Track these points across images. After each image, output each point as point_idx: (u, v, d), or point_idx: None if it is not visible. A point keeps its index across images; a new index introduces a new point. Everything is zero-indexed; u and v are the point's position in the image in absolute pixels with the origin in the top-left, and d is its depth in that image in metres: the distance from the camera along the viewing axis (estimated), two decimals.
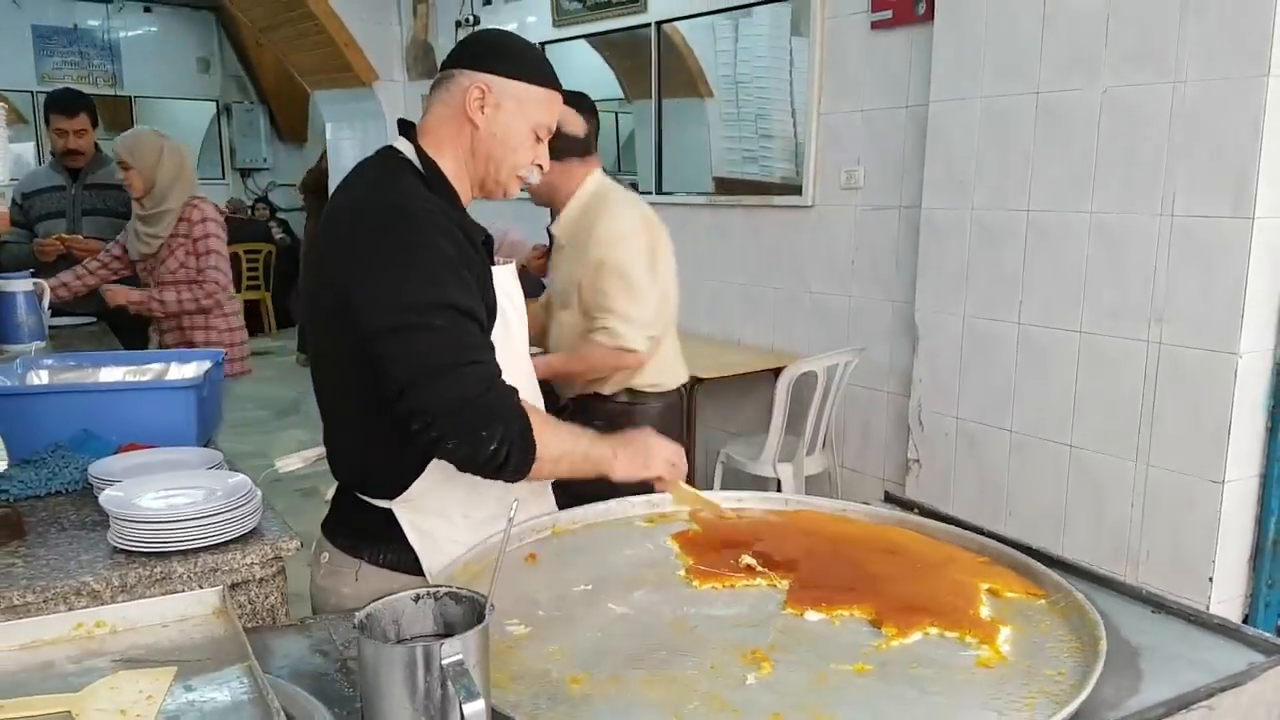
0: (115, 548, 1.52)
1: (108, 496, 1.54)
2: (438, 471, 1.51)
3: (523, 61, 1.56)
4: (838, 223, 4.08)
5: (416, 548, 1.54)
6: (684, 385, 2.91)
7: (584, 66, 5.96)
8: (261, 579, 1.53)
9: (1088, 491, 3.01)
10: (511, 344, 1.61)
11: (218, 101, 10.60)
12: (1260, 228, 2.57)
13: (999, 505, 3.23)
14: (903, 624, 1.28)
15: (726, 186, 4.72)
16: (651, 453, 1.63)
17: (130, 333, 3.81)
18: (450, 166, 1.56)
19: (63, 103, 4.10)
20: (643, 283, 2.59)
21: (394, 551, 1.55)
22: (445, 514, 1.56)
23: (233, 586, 1.35)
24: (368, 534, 1.55)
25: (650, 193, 5.16)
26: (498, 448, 1.40)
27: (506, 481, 1.48)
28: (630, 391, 2.74)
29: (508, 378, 1.48)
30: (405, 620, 1.00)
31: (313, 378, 1.56)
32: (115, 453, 1.86)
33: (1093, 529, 2.98)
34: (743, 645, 1.25)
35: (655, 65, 5.06)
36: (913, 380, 3.58)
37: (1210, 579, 2.73)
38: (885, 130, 3.82)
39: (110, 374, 2.19)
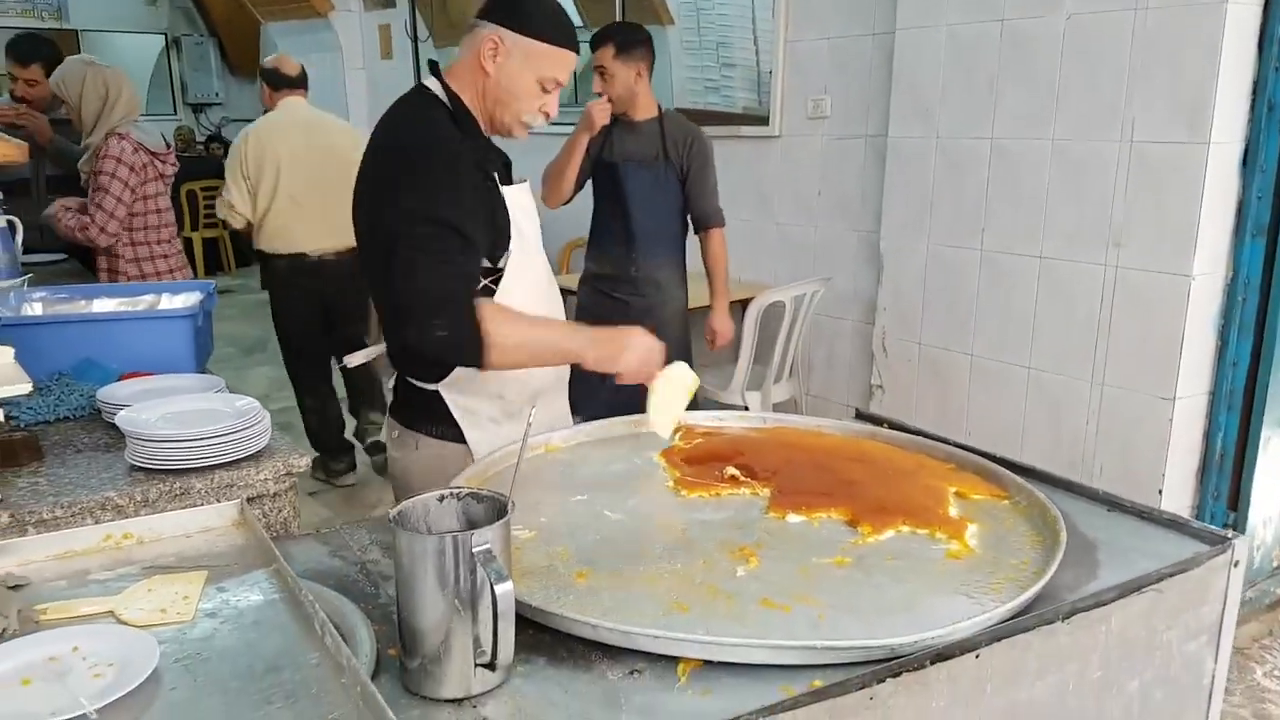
0: (133, 466, 1.59)
1: (124, 418, 1.61)
2: (497, 314, 1.69)
3: (535, 18, 1.70)
4: (804, 153, 4.14)
5: (461, 423, 1.79)
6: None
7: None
8: (275, 493, 1.62)
9: (1045, 411, 3.15)
10: (527, 249, 1.80)
11: (166, 34, 10.31)
12: (1215, 153, 2.68)
13: (960, 427, 3.37)
14: (877, 523, 1.39)
15: (688, 117, 4.74)
16: (625, 349, 1.69)
17: (99, 267, 3.81)
18: (472, 103, 1.75)
19: (17, 49, 3.99)
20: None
21: (444, 426, 1.79)
22: (482, 394, 1.79)
23: (249, 501, 1.42)
24: (423, 413, 1.80)
25: None
26: (448, 337, 1.59)
27: (474, 367, 1.65)
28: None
29: (527, 281, 1.78)
30: (432, 518, 1.09)
31: (369, 284, 1.77)
32: (118, 380, 1.91)
33: (1050, 446, 3.14)
34: (731, 544, 1.35)
35: None
36: (877, 308, 3.70)
37: (1160, 491, 2.90)
38: (852, 59, 3.87)
39: (102, 305, 2.22)
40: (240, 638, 1.11)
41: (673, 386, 1.70)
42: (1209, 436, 2.92)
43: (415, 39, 6.47)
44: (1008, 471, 1.55)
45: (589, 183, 3.50)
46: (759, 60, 4.34)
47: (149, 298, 2.27)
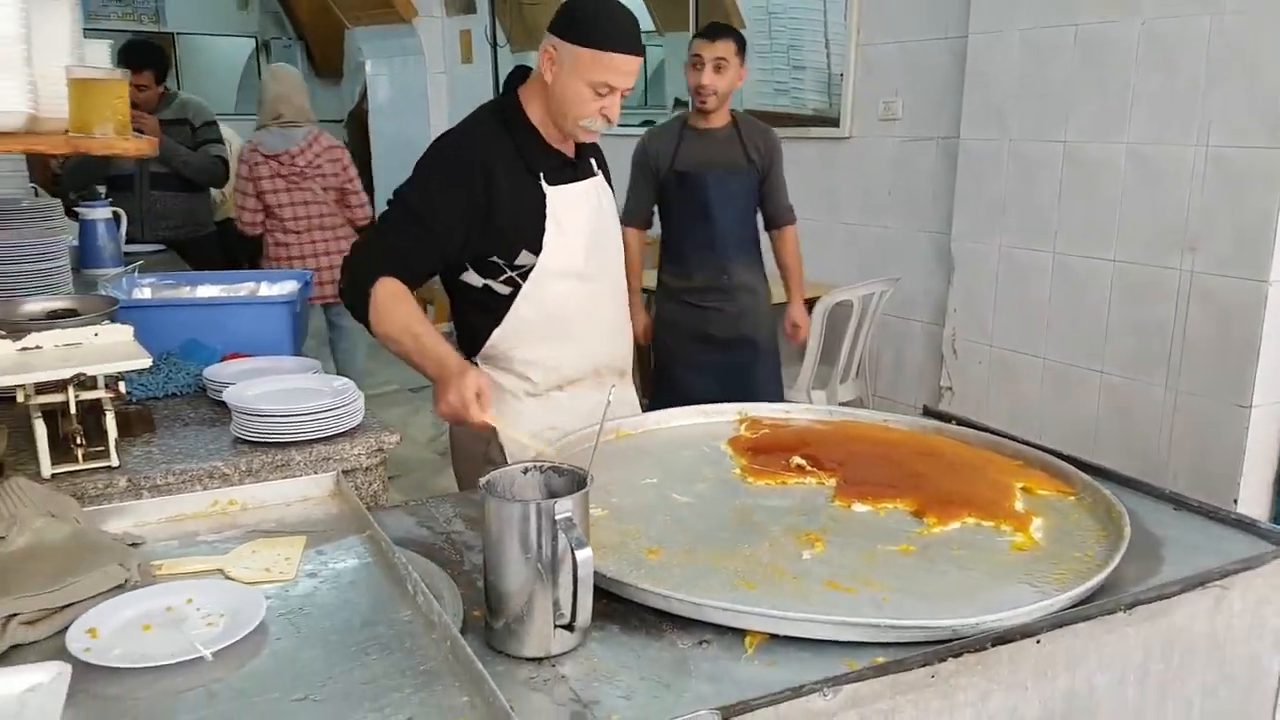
0: (238, 438, 1.70)
1: (232, 393, 1.73)
2: (503, 338, 1.86)
3: (583, 25, 1.76)
4: (875, 154, 4.16)
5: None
6: None
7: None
8: (367, 467, 1.72)
9: (1118, 416, 3.13)
10: (568, 249, 1.86)
11: (257, 37, 10.65)
12: None
13: (1031, 430, 3.32)
14: (943, 515, 1.42)
15: (759, 119, 4.77)
16: (448, 391, 1.64)
17: (195, 258, 4.01)
18: (537, 113, 1.84)
19: (130, 56, 4.16)
20: None
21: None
22: (511, 372, 1.89)
23: (342, 473, 1.52)
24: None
25: None
26: (343, 293, 1.75)
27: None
28: None
29: (563, 282, 1.85)
30: (517, 488, 1.17)
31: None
32: (220, 360, 2.04)
33: (1122, 452, 3.11)
34: (797, 530, 1.40)
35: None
36: (947, 309, 3.69)
37: (1235, 500, 2.86)
38: (924, 62, 3.88)
39: (205, 291, 2.37)
40: (338, 596, 1.20)
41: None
42: None
43: (494, 44, 6.61)
44: (1074, 468, 1.57)
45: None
46: (830, 63, 4.36)
47: (249, 285, 2.41)
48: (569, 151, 1.91)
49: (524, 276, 1.82)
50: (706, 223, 3.29)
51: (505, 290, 1.83)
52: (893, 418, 1.89)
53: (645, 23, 5.90)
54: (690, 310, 3.38)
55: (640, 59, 1.79)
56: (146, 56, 4.24)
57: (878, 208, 4.18)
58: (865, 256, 4.25)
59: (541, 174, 1.83)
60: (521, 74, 1.91)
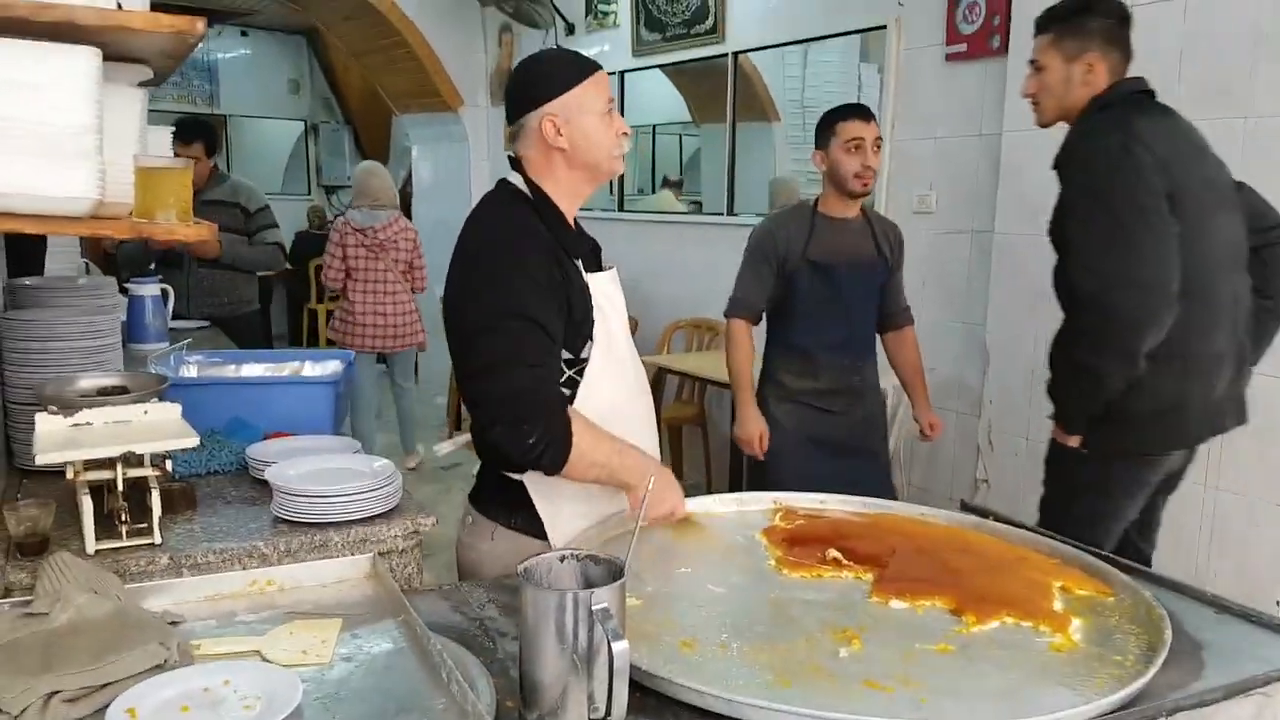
0: (277, 518, 1.73)
1: (274, 472, 1.75)
2: (584, 433, 1.68)
3: (559, 73, 1.74)
4: (909, 245, 4.17)
5: (542, 515, 1.76)
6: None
7: (652, 91, 6.16)
8: (403, 550, 1.73)
9: None
10: (613, 339, 1.80)
11: (306, 121, 11.03)
12: None
13: None
14: (981, 613, 1.40)
15: (793, 209, 4.85)
16: (671, 486, 1.70)
17: (238, 335, 4.10)
18: (555, 189, 1.77)
19: (183, 128, 4.36)
20: None
21: (524, 518, 1.76)
22: (569, 487, 1.74)
23: (379, 555, 1.53)
24: (503, 502, 1.77)
25: (720, 214, 5.32)
26: (535, 442, 1.58)
27: (547, 473, 1.65)
28: None
29: (613, 374, 1.76)
30: (554, 576, 1.17)
31: (455, 375, 1.77)
32: (263, 439, 2.08)
33: (1163, 550, 3.04)
34: (834, 625, 1.39)
35: (731, 94, 5.23)
36: (983, 401, 3.68)
37: (1277, 602, 2.79)
38: (958, 157, 3.94)
39: (250, 369, 2.42)
40: (373, 681, 1.20)
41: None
42: None
43: None
44: (1113, 569, 1.55)
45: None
46: None
47: (293, 364, 2.46)
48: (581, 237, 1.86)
49: (581, 374, 1.74)
50: (840, 319, 3.01)
51: (565, 393, 1.73)
52: (930, 512, 1.88)
53: (680, 115, 6.07)
54: (811, 414, 3.05)
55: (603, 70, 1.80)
56: (195, 130, 4.42)
57: (913, 298, 4.16)
58: None
59: (579, 261, 1.79)
60: (514, 163, 1.84)
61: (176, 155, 4.32)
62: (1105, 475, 2.36)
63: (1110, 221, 2.18)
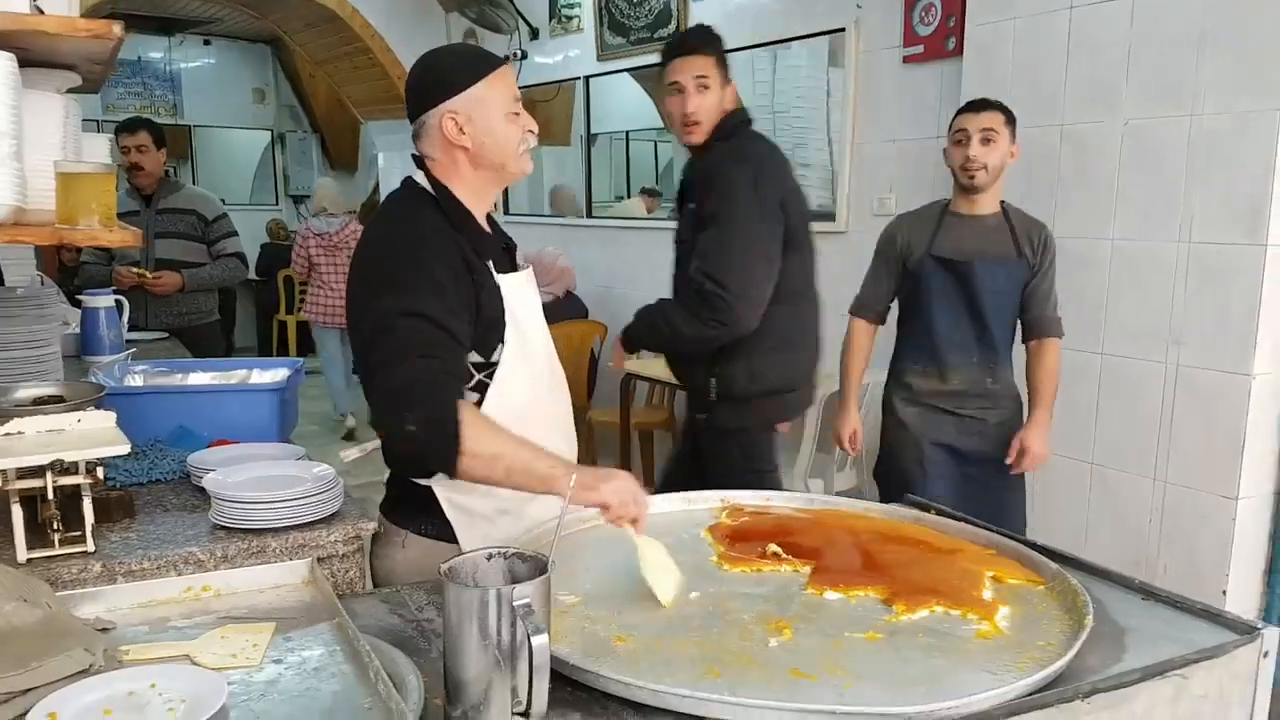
0: (215, 525, 1.72)
1: (211, 480, 1.75)
2: (475, 424, 1.60)
3: (460, 68, 1.69)
4: (869, 247, 4.22)
5: (453, 521, 1.73)
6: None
7: (625, 97, 6.18)
8: (343, 555, 1.73)
9: (1108, 508, 3.12)
10: (525, 340, 1.76)
11: (272, 130, 10.98)
12: (1273, 255, 2.70)
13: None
14: (912, 602, 1.42)
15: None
16: (607, 479, 1.53)
17: (197, 346, 4.08)
18: (461, 188, 1.73)
19: (125, 123, 4.40)
20: None
21: (434, 525, 1.73)
22: (478, 492, 1.70)
23: (318, 561, 1.53)
24: (412, 509, 1.74)
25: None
26: (415, 430, 1.51)
27: (446, 474, 1.56)
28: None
29: (525, 377, 1.72)
30: (480, 574, 1.18)
31: (360, 377, 1.71)
32: (207, 447, 2.07)
33: (1112, 543, 3.10)
34: (768, 617, 1.40)
35: None
36: None
37: (1224, 592, 2.83)
38: (916, 159, 3.98)
39: (197, 378, 2.41)
40: (301, 683, 1.21)
41: (655, 549, 1.52)
42: (1275, 538, 2.85)
43: None
44: (1043, 558, 1.58)
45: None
46: (833, 161, 4.48)
47: (241, 372, 2.45)
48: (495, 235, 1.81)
49: (491, 376, 1.70)
50: (973, 317, 2.85)
51: (473, 398, 1.70)
52: (874, 507, 1.90)
53: (653, 122, 6.10)
54: (939, 418, 2.92)
55: (507, 62, 1.76)
56: (137, 122, 4.41)
57: None
58: None
59: (491, 262, 1.74)
60: (419, 162, 1.79)
61: (122, 148, 4.34)
62: (756, 443, 2.71)
63: (750, 236, 2.49)
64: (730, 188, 2.48)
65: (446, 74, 1.69)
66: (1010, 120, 2.80)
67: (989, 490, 2.89)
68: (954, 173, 2.85)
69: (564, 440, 1.84)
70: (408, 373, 1.53)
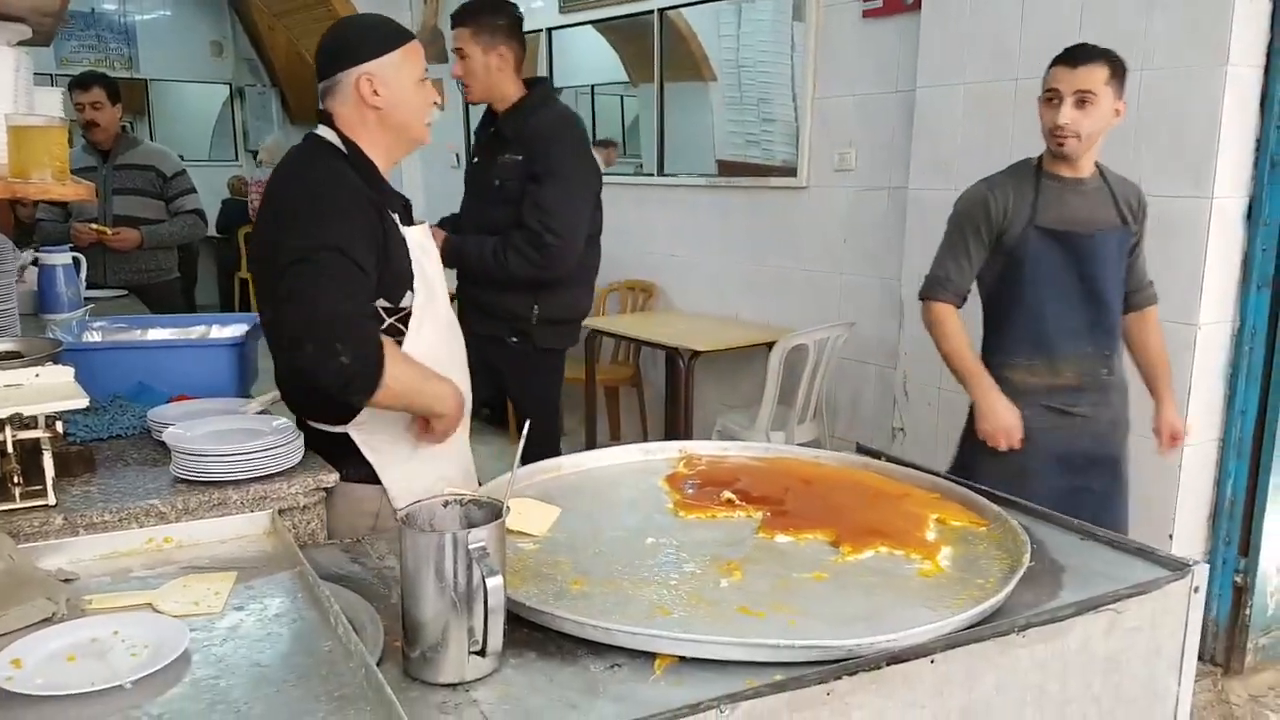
0: (176, 478, 1.74)
1: (171, 434, 1.76)
2: (395, 355, 1.75)
3: (380, 35, 1.83)
4: (831, 203, 4.27)
5: (374, 464, 1.86)
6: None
7: (589, 50, 6.13)
8: (305, 506, 1.76)
9: None
10: (431, 289, 1.89)
11: (231, 84, 10.77)
12: (1219, 207, 2.76)
13: None
14: (858, 544, 1.48)
15: (730, 169, 4.90)
16: (456, 397, 1.82)
17: (157, 303, 4.05)
18: (369, 146, 1.84)
19: (78, 79, 4.32)
20: None
21: (356, 468, 1.85)
22: (391, 432, 1.85)
23: (280, 512, 1.56)
24: (332, 458, 1.85)
25: (651, 174, 5.34)
26: (349, 362, 1.61)
27: (354, 403, 1.74)
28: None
29: (432, 321, 1.85)
30: (437, 520, 1.21)
31: (262, 327, 1.82)
32: (167, 402, 2.08)
33: None
34: (720, 559, 1.45)
35: (658, 51, 5.24)
36: (899, 353, 3.78)
37: (1170, 536, 2.93)
38: (876, 114, 4.00)
39: (157, 334, 2.41)
40: (263, 628, 1.24)
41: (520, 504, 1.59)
42: (1219, 484, 2.95)
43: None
44: (986, 500, 1.63)
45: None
46: (797, 116, 4.48)
47: (200, 328, 2.45)
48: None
49: (404, 322, 1.83)
50: (1088, 298, 2.47)
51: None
52: (825, 454, 1.95)
53: (619, 75, 6.06)
54: (1048, 418, 2.50)
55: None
56: (91, 78, 4.33)
57: (834, 255, 4.29)
58: (823, 301, 4.35)
59: (396, 216, 1.85)
60: (324, 118, 1.88)
61: (76, 105, 4.31)
62: (561, 359, 3.12)
63: (581, 194, 2.92)
64: (565, 150, 2.88)
65: (366, 39, 1.81)
66: (1117, 72, 2.37)
67: (1105, 501, 2.56)
68: (1043, 135, 2.48)
69: (463, 374, 1.99)
70: (335, 307, 1.62)
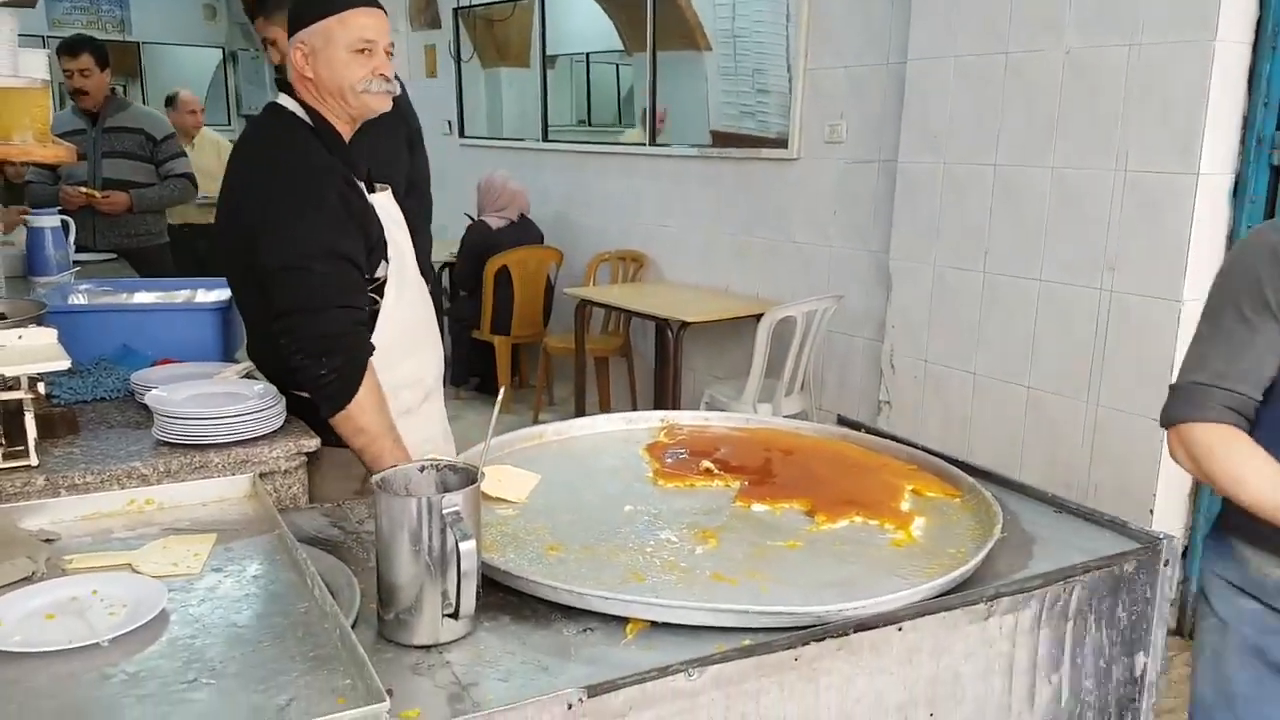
0: (159, 440, 1.75)
1: (153, 396, 1.78)
2: (371, 392, 1.80)
3: (311, 4, 1.81)
4: (821, 175, 4.26)
5: None
6: None
7: (585, 19, 6.08)
8: (286, 470, 1.77)
9: (1043, 429, 3.23)
10: (403, 259, 1.91)
11: (224, 49, 10.66)
12: (1204, 183, 2.76)
13: (962, 443, 3.45)
14: (833, 513, 1.50)
15: (723, 140, 4.87)
16: None
17: (146, 267, 4.04)
18: (326, 113, 1.85)
19: (67, 44, 4.29)
20: None
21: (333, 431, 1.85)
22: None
23: (261, 476, 1.57)
24: (318, 420, 1.85)
25: (643, 144, 5.31)
26: (327, 374, 1.72)
27: (324, 413, 1.78)
28: None
29: (406, 288, 1.88)
30: (413, 485, 1.22)
31: (233, 298, 1.87)
32: (151, 365, 2.09)
33: (1047, 464, 3.21)
34: (696, 527, 1.47)
35: (650, 19, 5.19)
36: (886, 326, 3.79)
37: (1151, 511, 2.96)
38: (867, 86, 3.99)
39: (142, 298, 2.42)
40: (241, 589, 1.25)
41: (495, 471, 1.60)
42: None
43: (458, 59, 6.67)
44: (961, 472, 1.65)
45: None
46: (791, 87, 4.45)
47: (185, 292, 2.46)
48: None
49: (379, 292, 1.85)
50: None
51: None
52: (806, 425, 1.96)
53: (615, 44, 6.02)
54: None
55: (380, 11, 1.84)
56: (82, 43, 4.29)
57: (823, 227, 4.29)
58: (813, 274, 4.35)
59: (362, 183, 1.86)
60: (283, 85, 1.89)
61: (65, 71, 4.27)
62: None
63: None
64: None
65: (303, 7, 1.82)
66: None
67: None
68: None
69: (436, 339, 2.05)
70: (331, 321, 1.71)
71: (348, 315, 1.73)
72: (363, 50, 1.80)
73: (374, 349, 1.80)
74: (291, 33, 1.80)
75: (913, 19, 3.56)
